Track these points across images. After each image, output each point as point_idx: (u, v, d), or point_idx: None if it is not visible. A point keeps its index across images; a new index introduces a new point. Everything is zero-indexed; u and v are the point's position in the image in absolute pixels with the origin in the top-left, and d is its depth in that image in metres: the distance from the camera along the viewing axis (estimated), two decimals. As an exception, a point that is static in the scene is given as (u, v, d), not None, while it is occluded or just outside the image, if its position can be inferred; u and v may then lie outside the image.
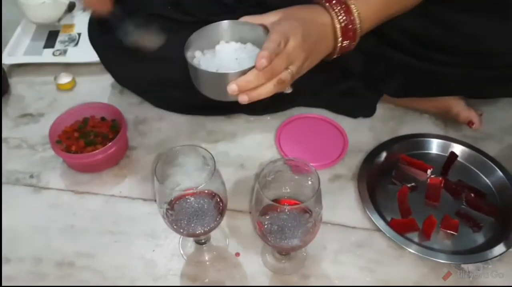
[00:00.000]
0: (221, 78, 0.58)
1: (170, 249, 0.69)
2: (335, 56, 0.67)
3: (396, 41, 0.78)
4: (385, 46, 0.79)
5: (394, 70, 0.81)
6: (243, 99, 0.58)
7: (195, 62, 0.63)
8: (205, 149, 0.59)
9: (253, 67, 0.56)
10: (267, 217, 0.57)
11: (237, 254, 0.68)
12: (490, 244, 0.67)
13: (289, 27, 0.59)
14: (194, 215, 0.57)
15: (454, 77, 0.77)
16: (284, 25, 0.60)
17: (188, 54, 0.62)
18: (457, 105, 0.82)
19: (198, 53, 0.65)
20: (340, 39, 0.64)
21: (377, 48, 0.80)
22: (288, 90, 0.62)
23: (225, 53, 0.64)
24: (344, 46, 0.65)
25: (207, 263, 0.67)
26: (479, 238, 0.69)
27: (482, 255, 0.65)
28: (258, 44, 0.62)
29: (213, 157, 0.57)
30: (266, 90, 0.58)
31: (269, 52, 0.55)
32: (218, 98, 0.62)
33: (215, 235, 0.70)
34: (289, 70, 0.59)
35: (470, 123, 0.80)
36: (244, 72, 0.57)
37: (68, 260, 0.68)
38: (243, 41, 0.65)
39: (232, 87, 0.56)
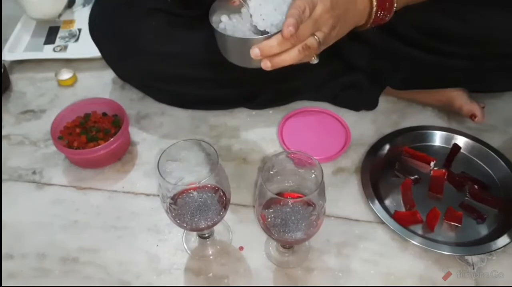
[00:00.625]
0: (246, 44, 0.56)
1: (174, 244, 0.69)
2: (368, 27, 0.65)
3: (404, 33, 0.77)
4: (392, 39, 0.78)
5: (400, 63, 0.80)
6: (266, 65, 0.56)
7: (221, 27, 0.61)
8: (208, 143, 0.58)
9: (279, 32, 0.54)
10: (271, 210, 0.57)
11: (241, 248, 0.68)
12: (494, 235, 0.67)
13: None
14: (198, 210, 0.57)
15: (461, 69, 0.77)
16: None
17: (213, 19, 0.61)
18: (460, 98, 0.82)
19: (224, 18, 0.62)
20: (375, 8, 0.62)
21: (384, 41, 0.79)
22: (315, 61, 0.60)
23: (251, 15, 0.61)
24: (378, 17, 0.63)
25: (211, 257, 0.67)
26: (483, 230, 0.68)
27: (486, 246, 0.65)
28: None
29: (216, 151, 0.57)
30: (291, 56, 0.56)
31: (295, 19, 0.53)
32: (242, 64, 0.60)
33: (218, 229, 0.70)
34: (315, 37, 0.56)
35: (473, 116, 0.80)
36: (268, 38, 0.55)
37: (72, 255, 0.68)
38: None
39: (255, 51, 0.55)
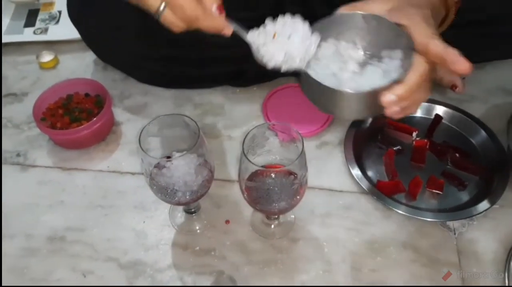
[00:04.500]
0: (373, 94, 0.49)
1: (161, 220, 0.70)
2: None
3: None
4: None
5: None
6: (394, 111, 0.50)
7: (311, 73, 0.51)
8: (189, 117, 0.58)
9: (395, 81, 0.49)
10: (254, 182, 0.58)
11: (227, 222, 0.69)
12: (475, 201, 0.68)
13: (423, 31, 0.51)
14: (181, 182, 0.57)
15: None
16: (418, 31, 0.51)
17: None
18: (440, 69, 0.82)
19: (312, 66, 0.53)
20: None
21: None
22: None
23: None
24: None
25: (198, 231, 0.68)
26: (464, 197, 0.70)
27: (467, 211, 0.66)
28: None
29: (196, 123, 0.57)
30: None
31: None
32: (353, 116, 0.56)
33: (204, 204, 0.70)
34: None
35: (453, 87, 0.81)
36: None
37: (59, 235, 0.69)
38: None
39: (390, 98, 0.49)
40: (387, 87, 0.49)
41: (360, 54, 0.56)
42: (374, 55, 0.55)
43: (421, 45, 0.50)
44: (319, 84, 0.49)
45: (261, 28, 0.53)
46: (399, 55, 0.53)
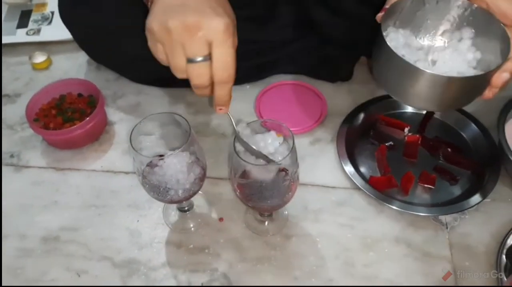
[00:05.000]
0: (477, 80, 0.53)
1: (154, 219, 0.70)
2: None
3: (378, 3, 0.77)
4: (367, 6, 0.78)
5: (375, 33, 0.81)
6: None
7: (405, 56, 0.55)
8: (180, 115, 0.59)
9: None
10: (246, 179, 0.58)
11: (221, 219, 0.69)
12: (467, 195, 0.69)
13: None
14: (173, 180, 0.57)
15: None
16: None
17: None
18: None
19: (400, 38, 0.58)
20: None
21: (359, 11, 0.79)
22: None
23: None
24: None
25: (192, 229, 0.68)
26: (456, 191, 0.70)
27: (458, 205, 0.67)
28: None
29: (187, 121, 0.57)
30: None
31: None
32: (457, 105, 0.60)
33: (198, 202, 0.71)
34: None
35: None
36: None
37: (53, 235, 0.69)
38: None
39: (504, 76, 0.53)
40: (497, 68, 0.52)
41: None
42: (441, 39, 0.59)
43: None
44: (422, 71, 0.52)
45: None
46: (469, 34, 0.57)
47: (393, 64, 0.55)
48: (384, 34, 0.56)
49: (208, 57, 0.48)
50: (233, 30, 0.48)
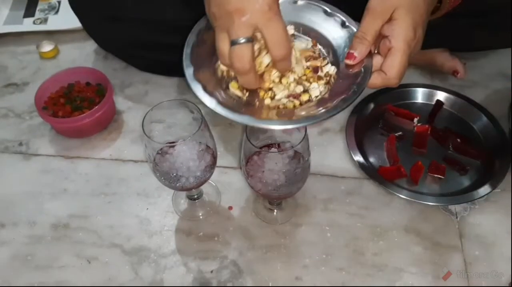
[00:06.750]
0: None
1: (164, 207, 0.70)
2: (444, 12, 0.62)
3: None
4: None
5: None
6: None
7: None
8: (192, 103, 0.59)
9: None
10: (257, 165, 0.58)
11: (230, 208, 0.69)
12: (476, 185, 0.68)
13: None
14: (184, 167, 0.57)
15: (441, 28, 0.77)
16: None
17: None
18: (442, 56, 0.82)
19: None
20: None
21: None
22: None
23: None
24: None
25: (201, 217, 0.68)
26: (466, 181, 0.70)
27: (468, 195, 0.67)
28: None
29: (199, 108, 0.57)
30: None
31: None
32: None
33: (207, 191, 0.71)
34: None
35: (455, 73, 0.81)
36: None
37: (63, 222, 0.69)
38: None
39: None
40: None
41: None
42: None
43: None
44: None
45: None
46: None
47: None
48: None
49: (251, 39, 0.47)
50: (277, 8, 0.47)
